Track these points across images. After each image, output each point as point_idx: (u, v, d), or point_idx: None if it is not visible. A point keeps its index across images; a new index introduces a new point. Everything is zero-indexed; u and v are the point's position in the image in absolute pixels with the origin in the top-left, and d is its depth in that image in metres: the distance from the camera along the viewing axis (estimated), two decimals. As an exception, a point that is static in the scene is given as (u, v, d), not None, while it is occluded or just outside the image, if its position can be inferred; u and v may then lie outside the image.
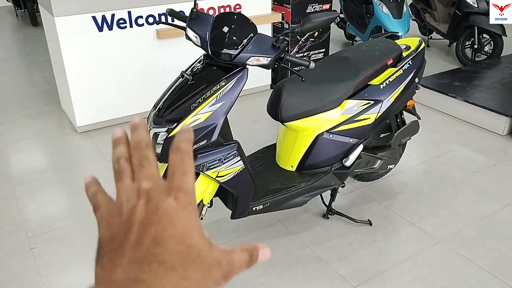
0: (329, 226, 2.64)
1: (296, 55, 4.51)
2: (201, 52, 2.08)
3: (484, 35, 4.87)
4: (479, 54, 4.95)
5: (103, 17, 3.50)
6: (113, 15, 3.54)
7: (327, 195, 2.69)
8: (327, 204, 2.68)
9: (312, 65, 2.05)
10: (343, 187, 2.54)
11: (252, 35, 1.99)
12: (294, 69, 2.11)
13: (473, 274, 2.28)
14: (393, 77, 2.46)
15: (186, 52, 3.86)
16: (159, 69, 3.85)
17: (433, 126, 3.80)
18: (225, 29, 1.99)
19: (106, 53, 3.61)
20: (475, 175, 3.11)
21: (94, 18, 3.47)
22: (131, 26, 3.64)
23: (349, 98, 2.37)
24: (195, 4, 2.05)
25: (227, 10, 4.01)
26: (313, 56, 4.62)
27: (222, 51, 1.96)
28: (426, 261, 2.37)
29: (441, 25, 5.38)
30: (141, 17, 3.65)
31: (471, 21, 4.79)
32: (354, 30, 5.42)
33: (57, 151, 3.49)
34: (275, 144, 2.70)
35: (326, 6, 4.52)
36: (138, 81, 3.81)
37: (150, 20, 3.69)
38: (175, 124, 1.97)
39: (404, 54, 2.58)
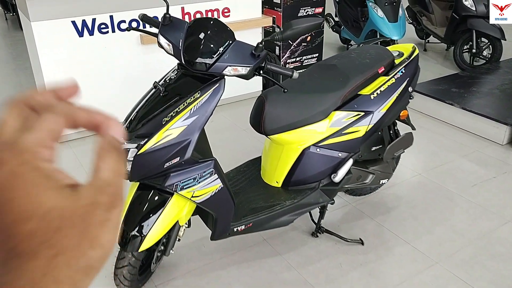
0: (317, 245, 2.47)
1: (288, 60, 4.35)
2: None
3: (483, 39, 4.71)
4: (478, 58, 4.79)
5: (84, 21, 3.34)
6: (94, 20, 3.37)
7: (316, 211, 2.52)
8: (316, 222, 2.52)
9: (296, 75, 1.88)
10: (332, 203, 2.38)
11: (229, 42, 1.83)
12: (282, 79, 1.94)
13: (471, 300, 2.12)
14: (385, 86, 2.30)
15: (172, 58, 3.71)
16: (144, 76, 3.68)
17: (429, 135, 3.63)
18: (200, 36, 1.83)
19: (87, 59, 3.45)
20: (473, 188, 2.94)
21: (73, 23, 3.31)
22: (113, 31, 3.48)
23: (337, 109, 2.21)
24: (168, 9, 1.88)
25: (215, 14, 3.85)
26: (306, 61, 4.46)
27: (197, 60, 1.80)
28: (421, 284, 2.20)
29: (439, 29, 5.23)
30: (124, 21, 3.49)
31: (469, 25, 4.63)
32: (349, 34, 5.26)
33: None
34: (260, 157, 2.54)
35: (319, 10, 4.36)
36: (122, 88, 3.64)
37: (134, 24, 3.53)
38: (146, 140, 1.80)
39: (397, 61, 2.42)
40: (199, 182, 1.89)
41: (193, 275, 2.28)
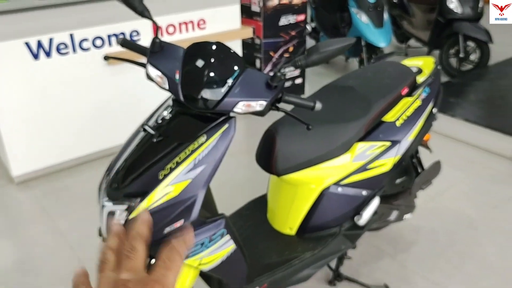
0: (338, 297, 2.12)
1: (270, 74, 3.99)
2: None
3: (469, 43, 4.51)
4: (465, 63, 4.59)
5: (39, 42, 2.86)
6: (51, 40, 2.90)
7: (332, 256, 2.16)
8: (334, 268, 2.17)
9: (319, 106, 1.53)
10: (354, 248, 2.03)
11: (238, 71, 1.45)
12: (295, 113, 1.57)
13: None
14: (411, 110, 1.97)
15: (145, 79, 3.27)
16: (113, 100, 3.24)
17: (433, 151, 3.35)
18: (201, 64, 1.44)
19: (45, 85, 2.96)
20: (494, 211, 2.67)
21: (27, 44, 2.82)
22: (74, 51, 3.01)
23: (360, 140, 1.86)
24: (158, 32, 1.48)
25: (189, 27, 3.45)
26: (289, 74, 4.10)
27: (199, 96, 1.41)
28: None
29: (421, 32, 5.01)
30: (86, 39, 3.03)
31: (455, 28, 4.42)
32: (328, 41, 4.95)
33: (-12, 210, 2.81)
34: (265, 196, 2.16)
35: (301, 17, 4.03)
36: (88, 116, 3.18)
37: (98, 43, 3.07)
38: (138, 200, 1.39)
39: (418, 79, 2.10)
40: (208, 247, 1.50)
41: None
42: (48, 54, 2.91)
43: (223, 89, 1.41)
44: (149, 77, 1.48)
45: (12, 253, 2.46)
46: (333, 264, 2.17)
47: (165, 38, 3.35)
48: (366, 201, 1.94)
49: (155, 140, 1.44)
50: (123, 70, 3.22)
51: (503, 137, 3.18)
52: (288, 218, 1.95)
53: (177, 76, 1.43)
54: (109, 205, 1.43)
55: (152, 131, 1.45)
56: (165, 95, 1.59)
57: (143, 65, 1.52)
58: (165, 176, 1.39)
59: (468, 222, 2.59)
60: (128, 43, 1.59)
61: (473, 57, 4.51)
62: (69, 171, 3.17)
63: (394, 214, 2.13)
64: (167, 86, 1.44)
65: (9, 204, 2.89)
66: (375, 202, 1.93)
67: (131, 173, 1.44)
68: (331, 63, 5.30)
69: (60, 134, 3.11)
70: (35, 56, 2.87)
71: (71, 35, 2.97)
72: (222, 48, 1.48)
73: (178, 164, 1.40)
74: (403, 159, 1.97)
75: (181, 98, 1.42)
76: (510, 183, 2.94)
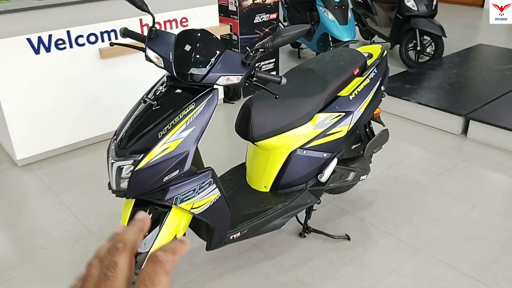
0: (307, 245, 2.53)
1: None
2: (152, 70, 1.90)
3: (425, 37, 5.00)
4: (422, 55, 5.08)
5: (39, 38, 3.20)
6: (50, 36, 3.25)
7: (302, 212, 2.58)
8: (303, 222, 2.58)
9: (284, 80, 1.94)
10: (318, 203, 2.45)
11: (219, 52, 1.85)
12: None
13: (456, 280, 2.26)
14: (361, 86, 2.40)
15: (133, 71, 3.65)
16: (105, 91, 3.60)
17: (390, 130, 3.80)
18: (190, 47, 1.83)
19: (45, 77, 3.30)
20: (439, 177, 3.13)
21: (29, 40, 3.16)
22: (71, 46, 3.36)
23: (320, 111, 2.28)
24: (154, 22, 1.87)
25: (173, 24, 3.83)
26: (264, 66, 4.53)
27: (189, 72, 1.80)
28: (409, 272, 2.32)
29: (383, 29, 5.49)
30: (82, 36, 3.38)
31: (412, 24, 4.90)
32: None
33: (-4, 189, 3.14)
34: (244, 164, 2.57)
35: (273, 16, 4.45)
36: (83, 105, 3.53)
37: (92, 39, 3.43)
38: (142, 155, 1.78)
39: (368, 62, 2.54)
40: (198, 193, 1.89)
41: (190, 288, 2.26)
42: (47, 49, 3.25)
43: (207, 66, 1.80)
44: (147, 58, 1.87)
45: (23, 223, 2.80)
46: (302, 219, 2.57)
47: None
48: (327, 162, 2.36)
49: (154, 108, 1.83)
50: (115, 64, 3.58)
51: (450, 117, 3.66)
52: (263, 178, 2.36)
53: (171, 57, 1.82)
54: (117, 162, 1.81)
55: (152, 102, 1.84)
56: (152, 83, 1.99)
57: (142, 49, 1.90)
58: (163, 135, 1.78)
59: (418, 186, 3.04)
60: (129, 32, 1.97)
61: (429, 49, 5.01)
62: (69, 154, 3.52)
63: (351, 175, 2.55)
64: (162, 65, 1.83)
65: (15, 184, 3.22)
66: (334, 162, 2.35)
67: (135, 135, 1.83)
68: (303, 57, 5.74)
69: (59, 122, 3.45)
70: (36, 51, 3.21)
71: (68, 32, 3.32)
72: (206, 34, 1.89)
73: (173, 126, 1.79)
74: (356, 127, 2.40)
75: (175, 74, 1.82)
76: (455, 155, 3.41)
